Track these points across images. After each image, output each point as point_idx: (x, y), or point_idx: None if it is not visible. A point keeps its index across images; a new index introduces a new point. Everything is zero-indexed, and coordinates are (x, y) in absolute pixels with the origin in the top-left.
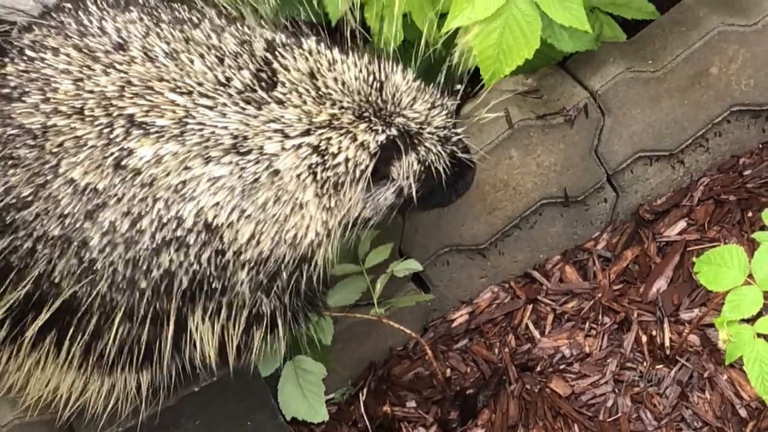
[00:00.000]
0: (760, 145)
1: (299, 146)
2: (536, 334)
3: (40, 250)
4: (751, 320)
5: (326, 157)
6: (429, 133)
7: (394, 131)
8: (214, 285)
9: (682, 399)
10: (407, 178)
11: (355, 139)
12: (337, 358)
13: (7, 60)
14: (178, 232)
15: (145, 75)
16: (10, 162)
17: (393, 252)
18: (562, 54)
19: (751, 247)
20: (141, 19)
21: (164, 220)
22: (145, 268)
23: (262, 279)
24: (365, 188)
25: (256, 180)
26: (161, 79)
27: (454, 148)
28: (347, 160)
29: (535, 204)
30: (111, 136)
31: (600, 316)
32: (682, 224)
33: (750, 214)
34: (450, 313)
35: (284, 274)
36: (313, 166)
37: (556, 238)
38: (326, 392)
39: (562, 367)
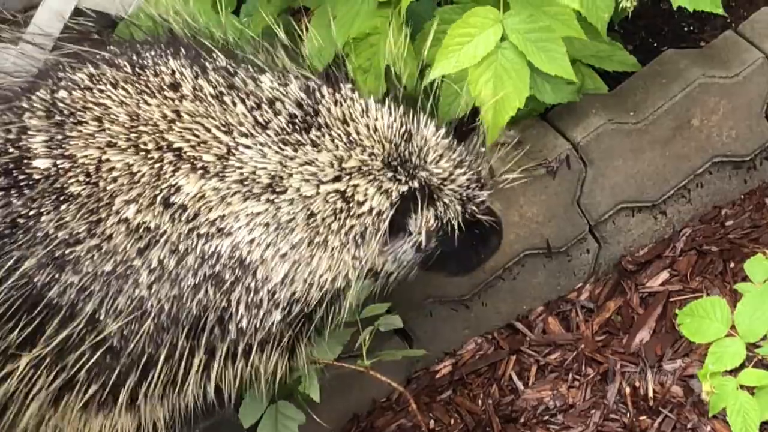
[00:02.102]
0: (742, 196)
1: (330, 191)
2: (520, 385)
3: (89, 287)
4: (734, 371)
5: (352, 204)
6: (450, 190)
7: (415, 184)
8: (241, 323)
9: None
10: (423, 232)
11: (380, 186)
12: (320, 410)
13: (60, 84)
14: (217, 268)
15: (194, 112)
16: (62, 197)
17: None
18: (543, 106)
19: (734, 298)
20: (191, 66)
21: (205, 256)
22: (187, 305)
23: (292, 319)
24: (386, 238)
25: (291, 220)
26: (208, 117)
27: (475, 209)
28: (371, 208)
29: (518, 255)
30: (161, 172)
31: (583, 367)
32: (664, 275)
33: (732, 264)
34: (433, 365)
35: (312, 315)
36: (341, 211)
37: (538, 289)
38: None
39: (545, 418)
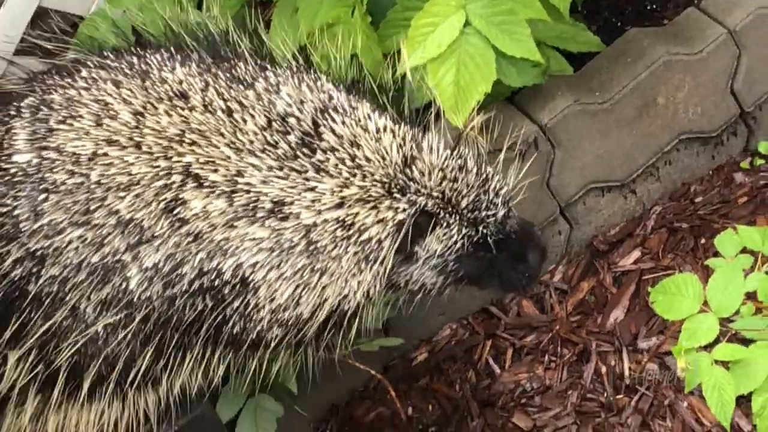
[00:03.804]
0: (710, 172)
1: (329, 219)
2: (496, 369)
3: (74, 277)
4: (708, 347)
5: (352, 232)
6: (456, 214)
7: (413, 210)
8: (235, 330)
9: (643, 428)
10: (433, 257)
11: (377, 215)
12: (299, 401)
13: (57, 87)
14: (216, 282)
15: (204, 125)
16: (42, 186)
17: None
18: (510, 89)
19: (706, 273)
20: (201, 74)
21: (204, 270)
22: (180, 308)
23: (294, 337)
24: (391, 265)
25: (293, 247)
26: (218, 132)
27: (492, 228)
28: (371, 237)
29: None
30: (168, 182)
31: (559, 349)
32: (636, 254)
33: (703, 240)
34: (410, 352)
35: (319, 334)
36: (342, 239)
37: None
38: None
39: (523, 401)
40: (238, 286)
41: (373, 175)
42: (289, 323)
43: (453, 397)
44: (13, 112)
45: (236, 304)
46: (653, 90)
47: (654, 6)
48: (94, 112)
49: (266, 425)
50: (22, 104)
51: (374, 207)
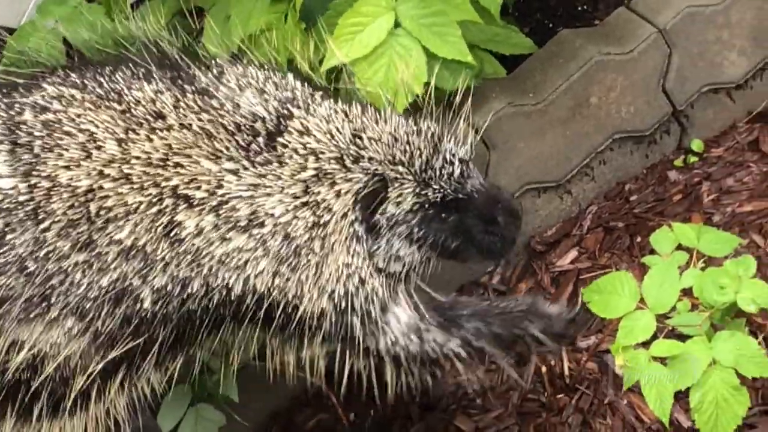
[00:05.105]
0: (645, 171)
1: (298, 207)
2: (437, 371)
3: (88, 297)
4: (645, 344)
5: (319, 213)
6: (409, 174)
7: (368, 178)
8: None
9: (584, 426)
10: (396, 223)
11: (336, 188)
12: (240, 409)
13: (24, 105)
14: (231, 297)
15: (183, 142)
16: (40, 217)
17: None
18: (443, 92)
19: (642, 271)
20: (168, 90)
21: (212, 286)
22: (198, 322)
23: (308, 328)
24: (364, 238)
25: (280, 248)
26: (197, 146)
27: (443, 188)
28: (335, 213)
29: None
30: (161, 207)
31: None
32: (573, 253)
33: (639, 239)
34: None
35: (331, 323)
36: (313, 225)
37: (450, 274)
38: None
39: (464, 403)
40: (252, 296)
41: (324, 153)
42: (303, 317)
43: (394, 402)
44: None
45: (257, 311)
46: (586, 90)
47: (585, 7)
48: (80, 142)
49: None
50: None
51: (332, 183)
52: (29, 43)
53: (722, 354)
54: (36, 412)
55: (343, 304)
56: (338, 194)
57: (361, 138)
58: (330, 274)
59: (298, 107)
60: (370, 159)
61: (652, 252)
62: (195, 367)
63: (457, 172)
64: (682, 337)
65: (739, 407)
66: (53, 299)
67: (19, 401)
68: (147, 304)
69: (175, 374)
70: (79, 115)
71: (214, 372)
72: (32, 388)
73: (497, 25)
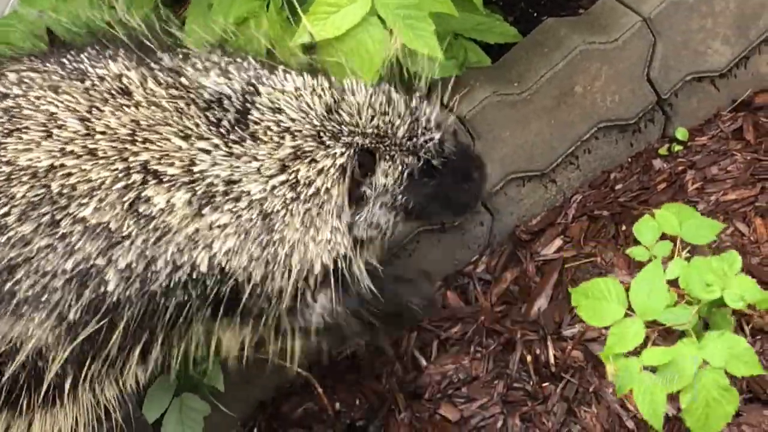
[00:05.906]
0: (629, 159)
1: (276, 185)
2: (422, 361)
3: (53, 285)
4: (637, 351)
5: (300, 190)
6: (394, 145)
7: (351, 151)
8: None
9: (569, 415)
10: (384, 194)
11: (317, 166)
12: (225, 399)
13: None
14: (194, 275)
15: (151, 119)
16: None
17: None
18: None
19: (627, 261)
20: (135, 68)
21: (178, 264)
22: (161, 301)
23: (286, 306)
24: (348, 211)
25: (253, 225)
26: (166, 123)
27: (432, 152)
28: (317, 189)
29: (413, 232)
30: (128, 182)
31: (484, 339)
32: (558, 242)
33: (624, 227)
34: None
35: (310, 300)
36: (291, 202)
37: (435, 264)
38: None
39: (450, 392)
40: (218, 275)
41: (301, 131)
42: (274, 295)
43: (380, 390)
44: None
45: (222, 291)
46: (571, 79)
47: None
48: (40, 122)
49: (193, 424)
50: None
51: (312, 161)
52: (14, 34)
53: (712, 355)
54: (23, 402)
55: (320, 279)
56: (320, 170)
57: (337, 112)
58: (310, 251)
59: (263, 84)
60: (352, 133)
61: (637, 242)
62: (178, 356)
63: (437, 137)
64: (671, 332)
65: (728, 406)
66: (17, 286)
67: (3, 392)
68: (111, 286)
69: (157, 365)
70: (38, 98)
71: (198, 362)
72: (10, 378)
73: (482, 14)
